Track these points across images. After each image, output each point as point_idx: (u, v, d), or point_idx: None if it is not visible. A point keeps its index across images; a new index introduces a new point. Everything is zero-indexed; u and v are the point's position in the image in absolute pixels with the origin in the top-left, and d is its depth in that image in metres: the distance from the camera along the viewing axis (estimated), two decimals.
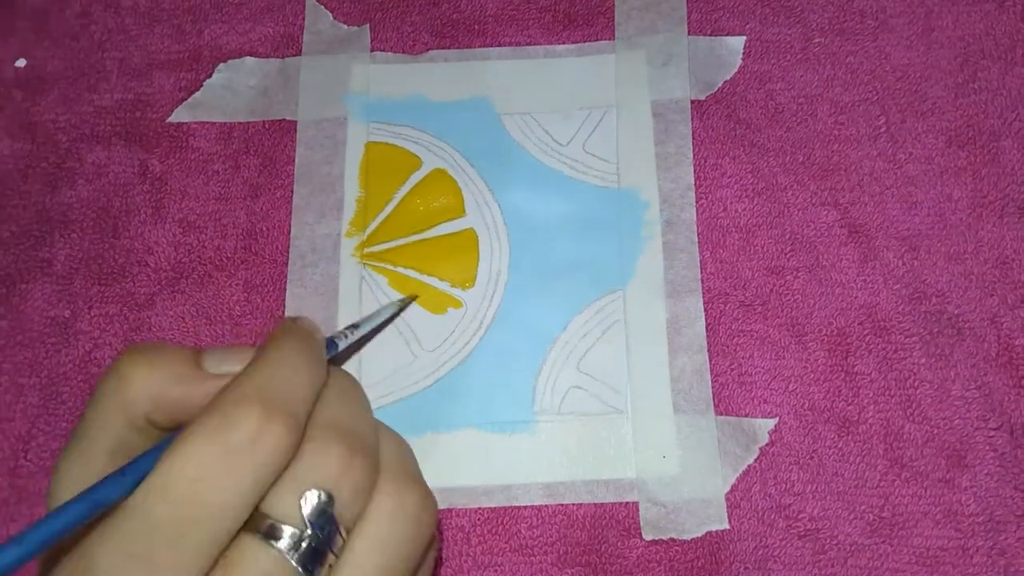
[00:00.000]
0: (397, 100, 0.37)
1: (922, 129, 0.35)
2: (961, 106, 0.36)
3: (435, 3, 0.38)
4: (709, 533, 0.31)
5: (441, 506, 0.31)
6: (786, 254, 0.34)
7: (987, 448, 0.31)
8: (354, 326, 0.30)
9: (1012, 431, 0.32)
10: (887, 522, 0.31)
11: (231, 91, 0.37)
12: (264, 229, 0.35)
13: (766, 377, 0.33)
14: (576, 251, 0.35)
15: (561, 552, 0.31)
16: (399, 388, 0.33)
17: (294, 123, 0.37)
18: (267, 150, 0.36)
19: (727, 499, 0.31)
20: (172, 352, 0.23)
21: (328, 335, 0.27)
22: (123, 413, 0.22)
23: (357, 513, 0.22)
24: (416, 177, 0.36)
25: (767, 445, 0.32)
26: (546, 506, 0.32)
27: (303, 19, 0.38)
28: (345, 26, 0.38)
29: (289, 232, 0.35)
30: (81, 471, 0.21)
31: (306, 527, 0.20)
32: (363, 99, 0.37)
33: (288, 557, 0.20)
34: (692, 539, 0.31)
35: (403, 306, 0.34)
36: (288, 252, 0.35)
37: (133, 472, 0.20)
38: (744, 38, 0.37)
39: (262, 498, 0.20)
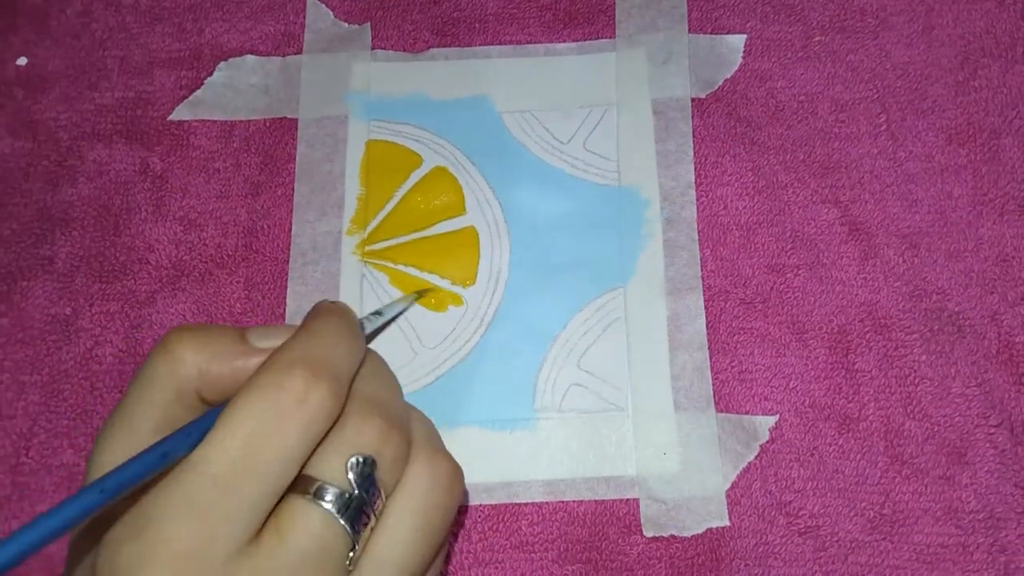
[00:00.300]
0: (398, 98, 0.37)
1: (922, 127, 0.35)
2: (961, 104, 0.36)
3: (436, 1, 0.38)
4: (710, 530, 0.31)
5: None
6: (787, 252, 0.34)
7: (987, 445, 0.31)
8: (377, 312, 0.31)
9: (1012, 428, 0.32)
10: (887, 519, 0.31)
11: (232, 89, 0.37)
12: (265, 227, 0.35)
13: (767, 374, 0.33)
14: (577, 249, 0.35)
15: (562, 549, 0.31)
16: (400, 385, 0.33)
17: (295, 121, 0.37)
18: (268, 148, 0.36)
19: (728, 496, 0.31)
20: (219, 330, 0.24)
21: None
22: (173, 388, 0.23)
23: (395, 480, 0.23)
24: (417, 175, 0.36)
25: (768, 442, 0.32)
26: (547, 503, 0.32)
27: (304, 17, 0.38)
28: (346, 24, 0.38)
29: (290, 230, 0.35)
30: (126, 445, 0.22)
31: (352, 488, 0.22)
32: (364, 97, 0.37)
33: (336, 515, 0.21)
34: (693, 536, 0.31)
35: (420, 296, 0.34)
36: (289, 250, 0.35)
37: (196, 430, 0.21)
38: (744, 36, 0.37)
39: (307, 461, 0.22)
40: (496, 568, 0.31)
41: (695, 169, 0.35)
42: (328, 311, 0.25)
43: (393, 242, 0.35)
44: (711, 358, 0.33)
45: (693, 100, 0.36)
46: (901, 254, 0.34)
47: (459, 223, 0.35)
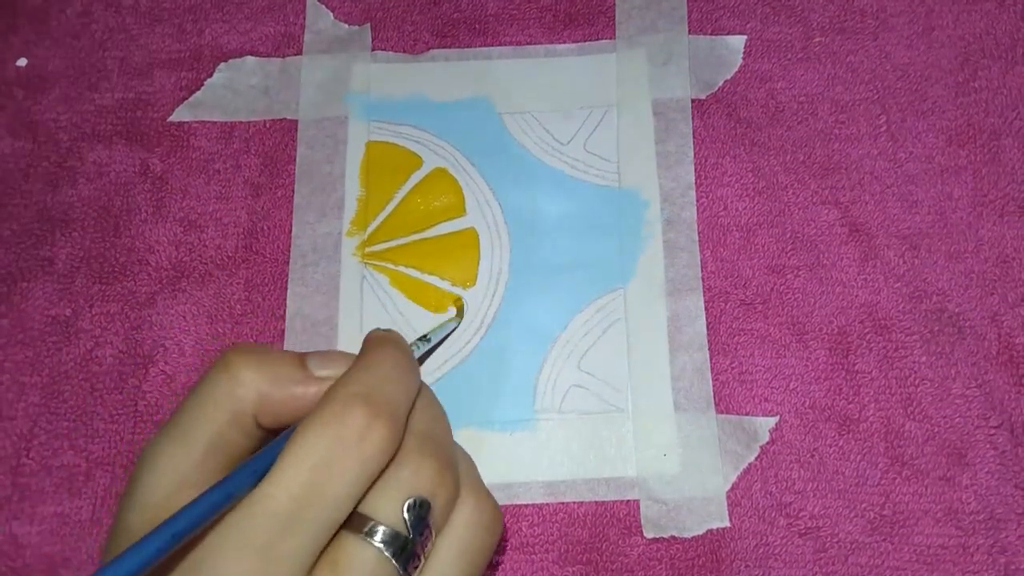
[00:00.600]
0: (398, 99, 0.37)
1: (923, 128, 0.35)
2: (962, 105, 0.36)
3: (436, 2, 0.38)
4: (710, 531, 0.31)
5: None
6: (787, 253, 0.34)
7: (987, 446, 0.31)
8: (425, 338, 0.31)
9: (1012, 429, 0.32)
10: (888, 520, 0.31)
11: (232, 90, 0.37)
12: (265, 228, 0.35)
13: (767, 375, 0.33)
14: (577, 250, 0.35)
15: (562, 550, 0.31)
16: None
17: (295, 122, 0.37)
18: (268, 149, 0.36)
19: (728, 497, 0.31)
20: (279, 354, 0.24)
21: None
22: (230, 410, 0.23)
23: (444, 521, 0.23)
24: (417, 176, 0.36)
25: (768, 443, 0.32)
26: (547, 504, 0.32)
27: (304, 18, 0.38)
28: (346, 25, 0.38)
29: (290, 231, 0.35)
30: (177, 461, 0.22)
31: (408, 531, 0.22)
32: (364, 98, 0.37)
33: (390, 557, 0.21)
34: (693, 537, 0.31)
35: (461, 315, 0.34)
36: (289, 251, 0.35)
37: (258, 466, 0.21)
38: (745, 37, 0.37)
39: (363, 500, 0.22)
40: (496, 570, 0.31)
41: (695, 170, 0.35)
42: (384, 341, 0.25)
43: (393, 243, 0.35)
44: (711, 359, 0.33)
45: (693, 101, 0.36)
46: (901, 255, 0.34)
47: (459, 224, 0.35)
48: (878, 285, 0.34)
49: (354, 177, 0.36)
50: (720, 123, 0.36)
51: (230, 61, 0.38)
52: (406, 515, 0.22)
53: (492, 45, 0.38)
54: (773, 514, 0.31)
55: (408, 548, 0.22)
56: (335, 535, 0.21)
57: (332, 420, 0.21)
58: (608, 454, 0.32)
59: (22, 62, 0.38)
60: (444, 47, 0.38)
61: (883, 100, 0.36)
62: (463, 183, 0.36)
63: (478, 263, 0.35)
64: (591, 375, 0.33)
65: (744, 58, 0.37)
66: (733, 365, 0.33)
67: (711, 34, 0.37)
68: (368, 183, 0.36)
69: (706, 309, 0.33)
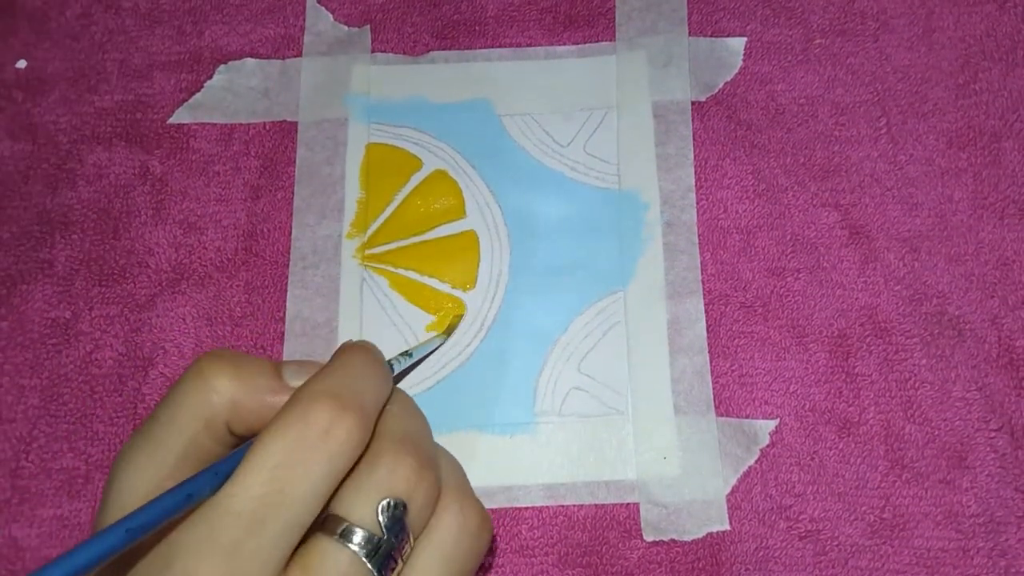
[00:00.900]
0: (398, 101, 0.37)
1: (923, 130, 0.35)
2: (962, 107, 0.36)
3: (436, 4, 0.38)
4: (710, 534, 0.31)
5: None
6: (787, 255, 0.34)
7: (988, 449, 0.31)
8: (407, 353, 0.31)
9: (1013, 432, 0.32)
10: (888, 523, 0.31)
11: (232, 92, 0.37)
12: (265, 230, 0.35)
13: (767, 378, 0.33)
14: (577, 252, 0.35)
15: (562, 553, 0.31)
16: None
17: (295, 124, 0.37)
18: (268, 151, 0.36)
19: (728, 500, 0.31)
20: (254, 362, 0.24)
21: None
22: (203, 417, 0.23)
23: (424, 524, 0.23)
24: (417, 178, 0.36)
25: (768, 446, 0.32)
26: (547, 507, 0.32)
27: (304, 20, 0.38)
28: (346, 27, 0.38)
29: (290, 233, 0.35)
30: (150, 467, 0.22)
31: (382, 532, 0.21)
32: (364, 100, 0.37)
33: (364, 560, 0.21)
34: (693, 540, 0.31)
35: (451, 332, 0.33)
36: (289, 253, 0.35)
37: (221, 470, 0.21)
38: (745, 39, 0.37)
39: (337, 499, 0.21)
40: (496, 573, 0.31)
41: (695, 172, 0.35)
42: (353, 348, 0.25)
43: (393, 246, 0.35)
44: (711, 362, 0.33)
45: (693, 103, 0.36)
46: (901, 258, 0.34)
47: (459, 226, 0.35)
48: (878, 288, 0.34)
49: (354, 179, 0.36)
50: (720, 125, 0.36)
51: (230, 63, 0.38)
52: (381, 516, 0.21)
53: (492, 47, 0.37)
54: (773, 517, 0.31)
55: (383, 551, 0.21)
56: (308, 536, 0.21)
57: (295, 420, 0.21)
58: (608, 457, 0.32)
59: (21, 64, 0.38)
60: (444, 49, 0.38)
61: (883, 102, 0.36)
62: (463, 185, 0.36)
63: (478, 265, 0.35)
64: (591, 378, 0.33)
65: (744, 60, 0.37)
66: (733, 368, 0.33)
67: (711, 36, 0.37)
68: (368, 185, 0.36)
69: (706, 312, 0.33)
